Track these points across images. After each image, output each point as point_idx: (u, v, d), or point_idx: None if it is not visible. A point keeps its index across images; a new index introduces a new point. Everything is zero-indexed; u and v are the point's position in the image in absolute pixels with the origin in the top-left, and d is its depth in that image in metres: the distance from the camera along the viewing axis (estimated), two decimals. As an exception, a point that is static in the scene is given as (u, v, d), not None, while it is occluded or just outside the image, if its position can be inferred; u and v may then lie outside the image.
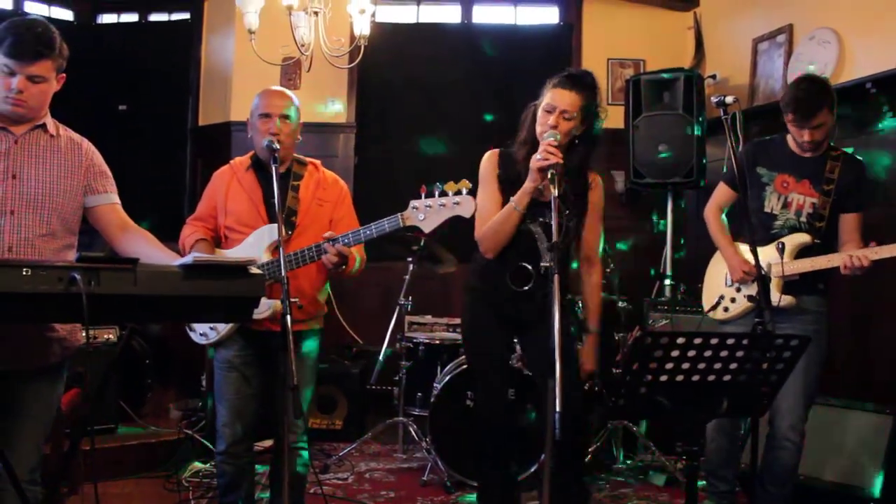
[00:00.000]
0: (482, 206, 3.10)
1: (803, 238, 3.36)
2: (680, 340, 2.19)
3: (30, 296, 1.88)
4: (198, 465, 4.27)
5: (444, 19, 6.39)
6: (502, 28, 6.36)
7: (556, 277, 2.44)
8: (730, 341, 2.23)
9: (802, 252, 3.35)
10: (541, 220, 3.03)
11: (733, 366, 2.26)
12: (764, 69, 5.11)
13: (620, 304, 4.75)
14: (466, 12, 6.35)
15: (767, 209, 3.46)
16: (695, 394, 2.29)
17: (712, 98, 3.39)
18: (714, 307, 3.57)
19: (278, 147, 2.90)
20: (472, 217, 2.93)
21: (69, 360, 2.53)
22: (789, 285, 3.36)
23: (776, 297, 3.32)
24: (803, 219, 3.38)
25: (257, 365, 3.11)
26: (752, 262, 3.14)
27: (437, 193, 2.81)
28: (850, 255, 3.19)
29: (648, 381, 2.25)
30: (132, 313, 2.18)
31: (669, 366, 2.22)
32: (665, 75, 5.23)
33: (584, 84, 3.00)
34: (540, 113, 3.03)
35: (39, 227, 2.40)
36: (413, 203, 2.84)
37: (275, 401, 3.05)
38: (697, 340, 2.20)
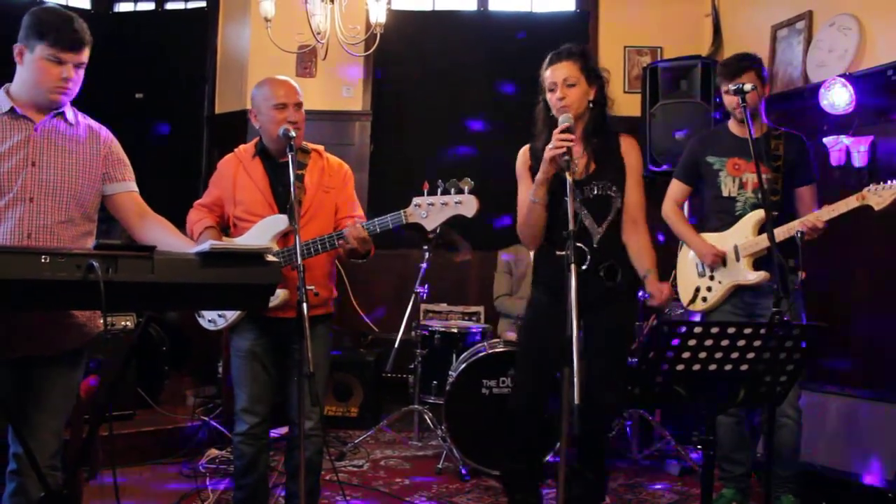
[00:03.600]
0: (519, 202, 3.13)
1: (761, 214, 3.43)
2: (696, 330, 2.18)
3: (48, 283, 1.90)
4: (214, 451, 4.29)
5: (460, 7, 6.36)
6: (518, 15, 6.32)
7: (573, 268, 2.42)
8: (747, 330, 2.22)
9: (764, 227, 3.38)
10: (581, 197, 3.02)
11: (750, 355, 2.25)
12: (783, 56, 5.06)
13: (637, 293, 4.72)
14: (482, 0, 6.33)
15: (726, 193, 3.59)
16: (711, 383, 2.28)
17: (730, 86, 3.38)
18: (693, 300, 3.64)
19: (295, 135, 2.90)
20: (475, 215, 2.90)
21: (88, 347, 2.55)
22: (761, 263, 3.45)
23: (752, 275, 3.46)
24: (761, 195, 3.40)
25: (274, 352, 3.14)
26: (718, 247, 3.49)
27: (439, 191, 2.80)
28: (801, 220, 3.32)
29: (665, 370, 2.24)
30: (149, 301, 2.19)
31: (686, 355, 2.21)
32: (682, 63, 5.19)
33: (571, 52, 3.03)
34: (548, 97, 3.04)
35: (58, 214, 2.41)
36: (416, 200, 2.84)
37: (290, 387, 3.08)
38: (714, 329, 2.19)
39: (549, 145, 2.83)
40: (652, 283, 3.10)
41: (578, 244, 2.94)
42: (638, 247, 3.11)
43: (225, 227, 3.19)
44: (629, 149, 3.13)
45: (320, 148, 3.24)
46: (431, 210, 2.80)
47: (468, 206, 2.79)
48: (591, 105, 3.03)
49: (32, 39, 2.36)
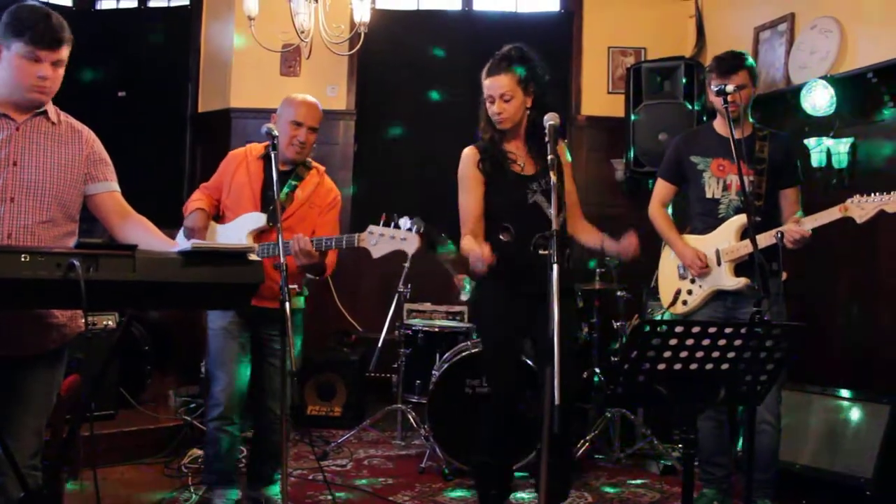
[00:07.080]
0: (464, 207, 3.22)
1: (744, 219, 3.43)
2: (678, 329, 2.19)
3: (28, 282, 1.89)
4: (197, 451, 4.27)
5: (444, 6, 6.37)
6: (503, 15, 6.33)
7: (555, 267, 2.42)
8: (727, 330, 2.23)
9: (746, 232, 3.41)
10: (538, 189, 3.15)
11: (731, 354, 2.27)
12: (765, 58, 5.09)
13: (619, 293, 4.75)
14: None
15: (709, 195, 3.56)
16: (692, 382, 2.30)
17: (713, 86, 3.40)
18: (673, 302, 3.62)
19: (277, 133, 2.98)
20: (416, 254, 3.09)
21: (69, 347, 2.53)
22: (742, 268, 3.44)
23: (732, 280, 3.44)
24: (744, 198, 3.42)
25: (248, 337, 3.31)
26: (704, 253, 3.47)
27: (392, 224, 2.94)
28: (782, 230, 3.27)
29: (646, 370, 2.25)
30: (131, 300, 2.18)
31: (667, 354, 2.22)
32: (666, 64, 5.22)
33: (510, 62, 3.13)
34: (487, 106, 3.18)
35: (39, 214, 2.39)
36: (371, 228, 2.99)
37: (264, 377, 3.30)
38: (695, 329, 2.20)
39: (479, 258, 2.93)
40: (612, 241, 3.22)
41: (543, 234, 3.04)
42: (584, 228, 3.31)
43: (217, 213, 3.39)
44: (560, 150, 3.22)
45: (321, 168, 3.44)
46: (381, 240, 2.96)
47: (410, 244, 2.95)
48: (528, 110, 3.16)
49: (10, 37, 2.34)
